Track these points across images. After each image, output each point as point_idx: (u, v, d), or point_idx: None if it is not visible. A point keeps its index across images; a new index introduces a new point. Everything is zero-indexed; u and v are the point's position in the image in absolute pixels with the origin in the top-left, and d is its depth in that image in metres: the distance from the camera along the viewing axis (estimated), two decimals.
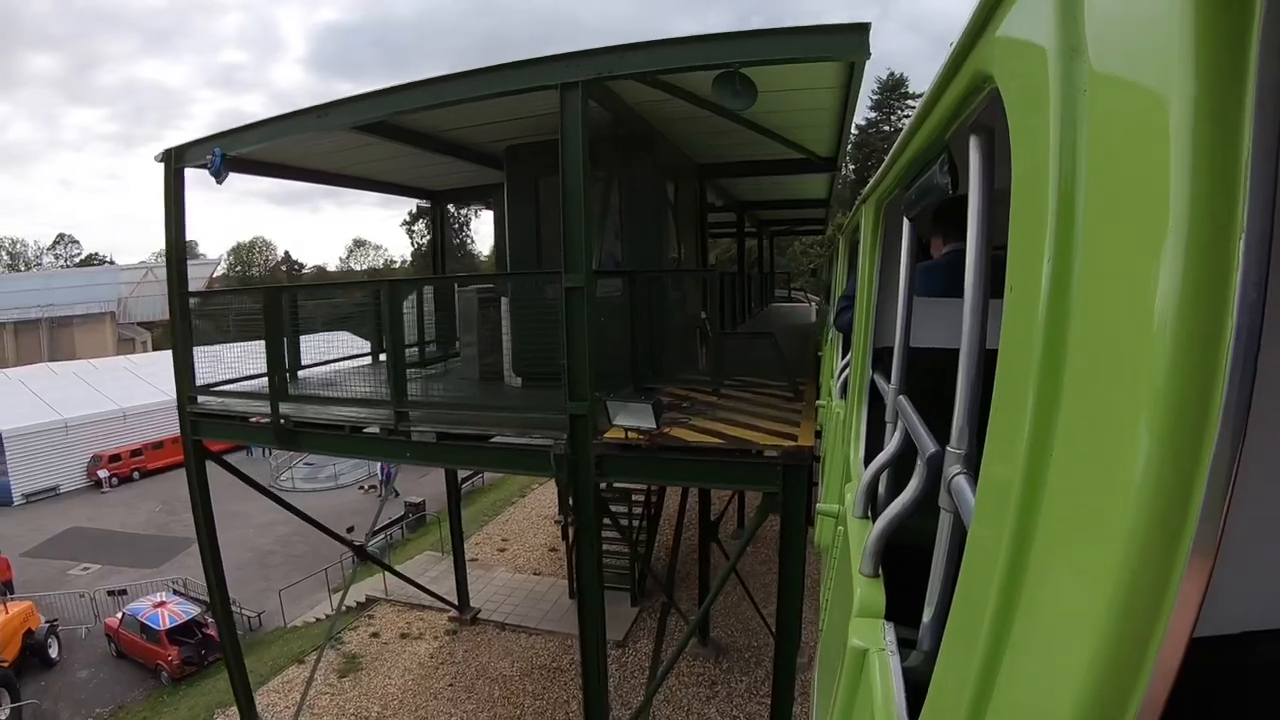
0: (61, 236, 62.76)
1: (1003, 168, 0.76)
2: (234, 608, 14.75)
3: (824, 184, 11.84)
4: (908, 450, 1.33)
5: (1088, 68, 0.49)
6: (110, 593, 15.63)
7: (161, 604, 14.01)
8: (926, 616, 1.04)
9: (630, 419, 4.11)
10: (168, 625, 13.39)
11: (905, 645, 1.14)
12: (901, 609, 1.25)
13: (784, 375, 5.81)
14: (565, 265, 4.29)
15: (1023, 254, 0.59)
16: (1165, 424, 0.39)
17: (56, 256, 61.09)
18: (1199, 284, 0.38)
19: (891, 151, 1.57)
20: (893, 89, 47.71)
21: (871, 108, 48.39)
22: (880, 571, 1.37)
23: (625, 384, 5.66)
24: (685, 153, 8.12)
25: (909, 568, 1.27)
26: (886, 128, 47.07)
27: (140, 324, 41.44)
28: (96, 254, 61.59)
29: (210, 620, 14.67)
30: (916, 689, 0.95)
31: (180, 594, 15.59)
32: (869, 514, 1.69)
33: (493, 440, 4.85)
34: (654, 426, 4.06)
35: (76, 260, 59.31)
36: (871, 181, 2.16)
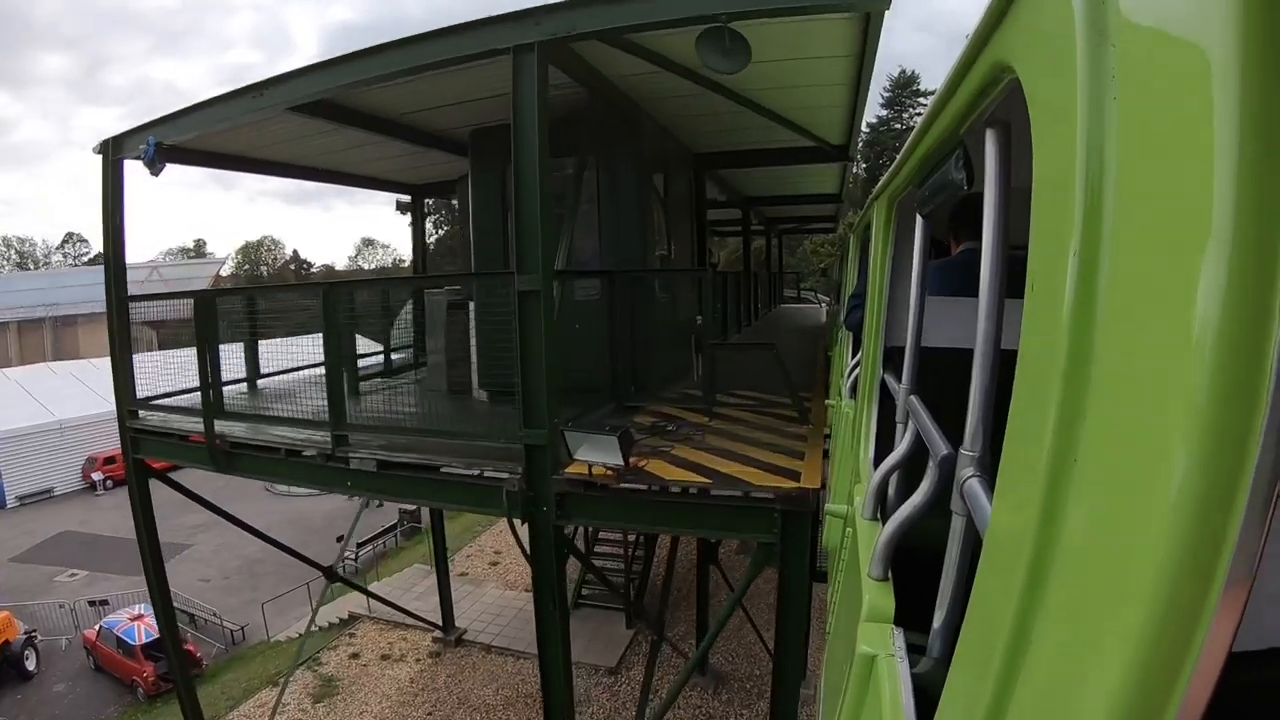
0: (70, 235, 63.05)
1: (1018, 164, 0.75)
2: (217, 620, 14.32)
3: (835, 176, 11.07)
4: (918, 451, 1.30)
5: (1116, 51, 0.47)
6: (91, 603, 15.17)
7: (139, 617, 13.48)
8: (937, 622, 1.01)
9: (593, 453, 3.38)
10: (143, 640, 12.87)
11: (915, 651, 1.09)
12: (912, 613, 1.21)
13: (788, 392, 5.06)
14: (519, 264, 3.58)
15: (1046, 250, 0.56)
16: (1205, 435, 0.36)
17: (65, 255, 61.40)
18: (1244, 283, 0.35)
19: (905, 147, 1.51)
20: (904, 86, 47.18)
21: (883, 105, 47.95)
22: (890, 575, 1.33)
23: (604, 402, 4.94)
24: (678, 139, 7.37)
25: (920, 571, 1.22)
26: (898, 125, 46.48)
27: (146, 324, 41.30)
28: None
29: (189, 635, 14.17)
30: (926, 696, 0.90)
31: None
32: (878, 516, 1.64)
33: (443, 470, 4.14)
34: (620, 463, 3.33)
35: (85, 259, 59.56)
36: (884, 178, 2.06)
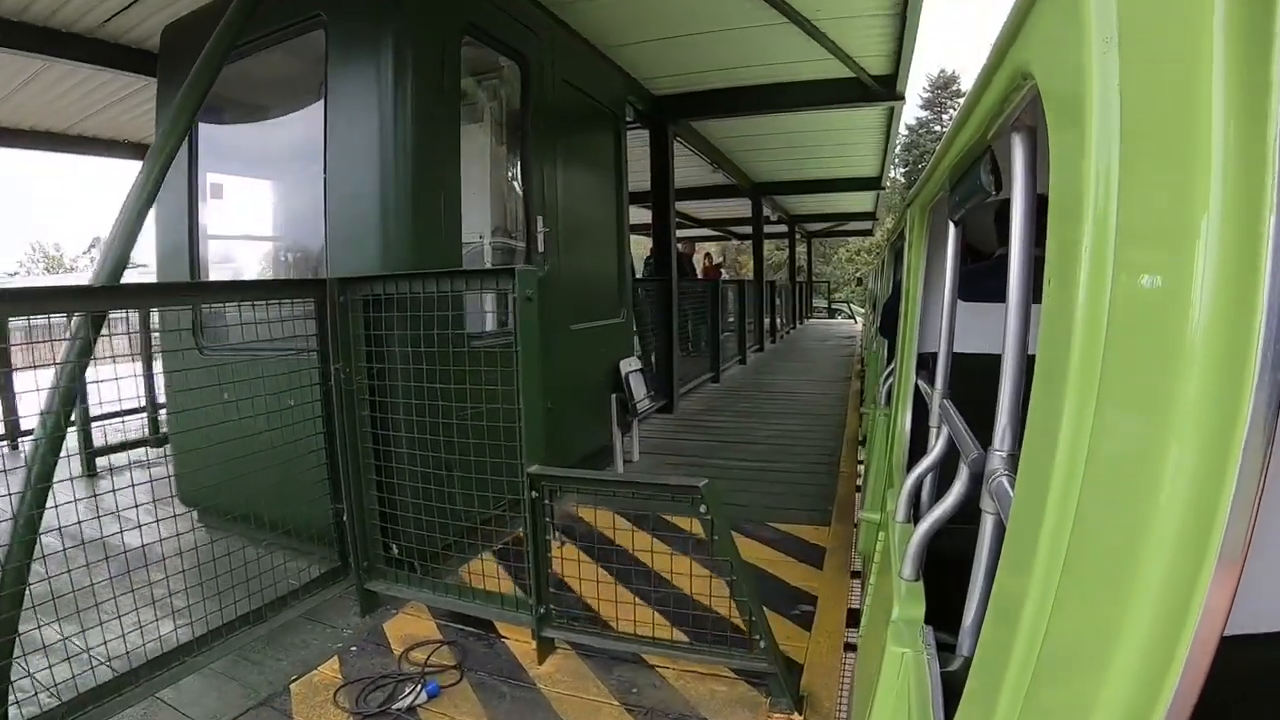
0: (96, 240, 63.70)
1: (1045, 169, 0.75)
2: None
3: (874, 146, 8.21)
4: (951, 455, 1.33)
5: (1120, 57, 0.49)
6: None
7: None
8: (967, 620, 1.04)
9: None
10: None
11: (948, 650, 1.12)
12: (948, 618, 1.20)
13: (747, 616, 1.98)
14: None
15: (1061, 248, 0.58)
16: (1195, 418, 0.38)
17: (91, 260, 61.91)
18: (1230, 281, 0.37)
19: (935, 154, 1.57)
20: (944, 87, 44.73)
21: (922, 106, 45.55)
22: (921, 576, 1.34)
23: (329, 581, 2.18)
24: (602, 54, 4.64)
25: (960, 579, 1.18)
26: (938, 127, 43.89)
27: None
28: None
29: None
30: (955, 693, 0.90)
31: None
32: (911, 519, 1.65)
33: None
34: None
35: None
36: (916, 185, 2.07)
